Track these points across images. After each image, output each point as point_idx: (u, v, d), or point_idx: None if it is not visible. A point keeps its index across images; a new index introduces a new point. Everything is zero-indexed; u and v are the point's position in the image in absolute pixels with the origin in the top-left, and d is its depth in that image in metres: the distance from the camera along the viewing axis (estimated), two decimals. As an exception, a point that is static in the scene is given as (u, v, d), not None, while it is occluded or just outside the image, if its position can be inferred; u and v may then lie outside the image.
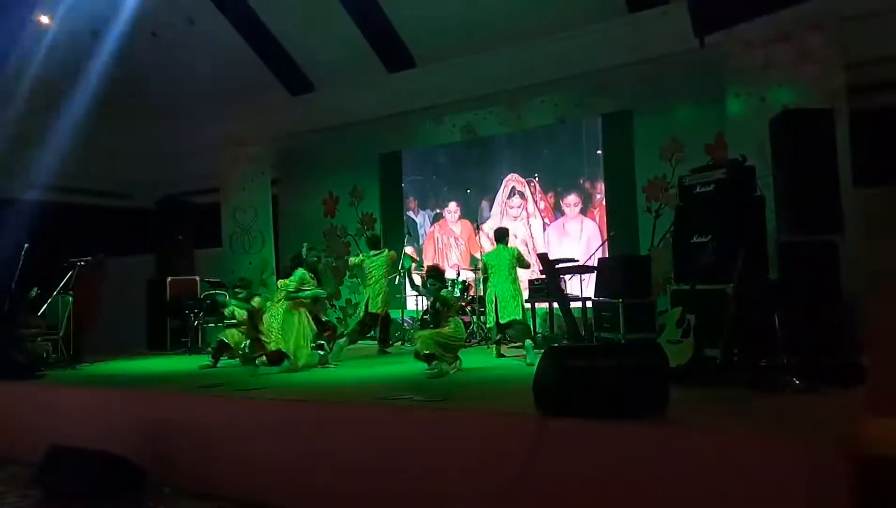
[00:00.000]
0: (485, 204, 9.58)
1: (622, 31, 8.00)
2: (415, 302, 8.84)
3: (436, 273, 6.07)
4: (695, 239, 5.39)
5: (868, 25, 6.66)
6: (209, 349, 7.56)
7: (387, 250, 7.97)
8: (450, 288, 7.35)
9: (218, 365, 7.07)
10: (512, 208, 9.32)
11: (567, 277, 7.51)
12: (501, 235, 7.08)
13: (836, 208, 5.05)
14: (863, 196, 6.13)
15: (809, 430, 3.15)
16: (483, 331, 8.19)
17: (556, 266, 7.28)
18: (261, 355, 6.53)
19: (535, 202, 9.17)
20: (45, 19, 9.39)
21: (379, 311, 7.57)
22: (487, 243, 9.22)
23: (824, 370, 4.30)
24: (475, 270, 8.66)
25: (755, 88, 6.70)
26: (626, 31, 7.98)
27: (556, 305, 7.43)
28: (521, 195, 9.25)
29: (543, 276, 7.16)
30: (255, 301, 7.11)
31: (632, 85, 8.28)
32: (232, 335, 7.18)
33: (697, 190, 5.53)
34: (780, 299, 4.51)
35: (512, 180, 9.39)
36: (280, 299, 6.59)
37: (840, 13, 6.44)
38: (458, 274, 8.79)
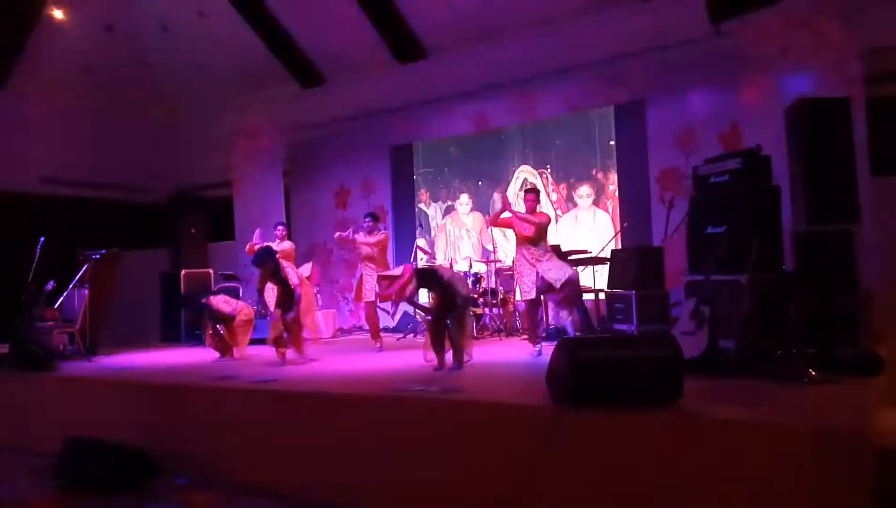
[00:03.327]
0: (496, 196, 9.54)
1: (635, 20, 7.91)
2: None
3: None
4: (709, 230, 5.33)
5: (885, 12, 6.55)
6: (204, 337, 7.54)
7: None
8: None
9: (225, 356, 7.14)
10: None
11: (580, 268, 7.47)
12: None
13: (853, 198, 4.99)
14: (881, 185, 6.07)
15: (826, 421, 3.12)
16: (496, 323, 8.18)
17: (569, 258, 7.25)
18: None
19: (548, 194, 9.12)
20: (58, 14, 9.45)
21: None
22: (499, 236, 9.20)
23: (841, 361, 4.25)
24: (488, 261, 8.64)
25: (771, 75, 6.61)
26: (640, 19, 7.88)
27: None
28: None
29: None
30: None
31: (645, 74, 8.21)
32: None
33: (712, 180, 5.47)
34: (796, 290, 4.46)
35: (524, 172, 9.35)
36: None
37: (857, -1, 6.35)
38: (471, 266, 8.78)
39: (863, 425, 3.03)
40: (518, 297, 6.99)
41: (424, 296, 6.14)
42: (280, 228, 8.32)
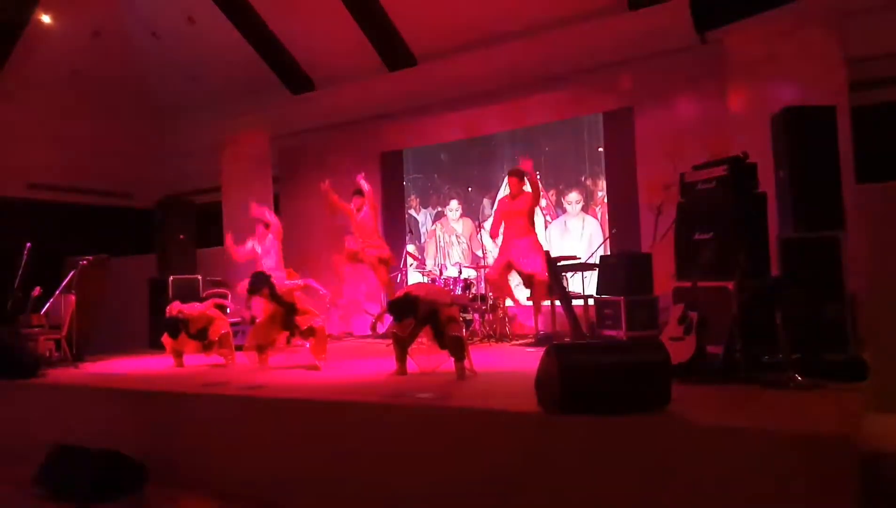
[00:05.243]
0: (486, 202, 9.57)
1: (623, 28, 7.98)
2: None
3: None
4: (696, 236, 5.37)
5: (870, 21, 6.65)
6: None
7: None
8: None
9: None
10: (513, 205, 9.30)
11: (569, 274, 7.50)
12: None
13: (838, 205, 5.03)
14: (866, 192, 6.13)
15: (813, 426, 3.14)
16: (486, 329, 8.18)
17: (558, 264, 7.27)
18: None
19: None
20: (45, 18, 9.41)
21: None
22: (489, 242, 9.22)
23: (827, 367, 4.28)
24: (478, 267, 8.65)
25: (757, 84, 6.68)
26: (627, 28, 7.95)
27: (557, 302, 7.43)
28: (523, 193, 9.23)
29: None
30: None
31: (633, 82, 8.27)
32: None
33: (699, 187, 5.50)
34: (783, 296, 4.49)
35: (513, 178, 9.37)
36: None
37: (841, 8, 6.42)
38: (461, 272, 8.79)
39: (849, 430, 3.05)
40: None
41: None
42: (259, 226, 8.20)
